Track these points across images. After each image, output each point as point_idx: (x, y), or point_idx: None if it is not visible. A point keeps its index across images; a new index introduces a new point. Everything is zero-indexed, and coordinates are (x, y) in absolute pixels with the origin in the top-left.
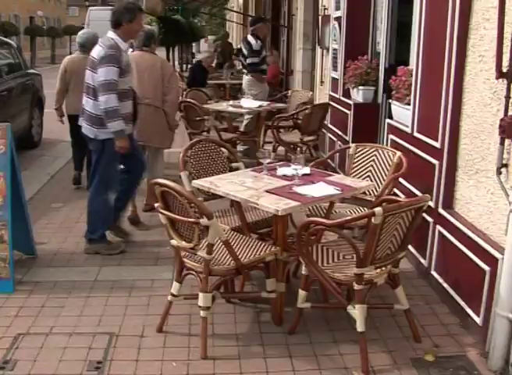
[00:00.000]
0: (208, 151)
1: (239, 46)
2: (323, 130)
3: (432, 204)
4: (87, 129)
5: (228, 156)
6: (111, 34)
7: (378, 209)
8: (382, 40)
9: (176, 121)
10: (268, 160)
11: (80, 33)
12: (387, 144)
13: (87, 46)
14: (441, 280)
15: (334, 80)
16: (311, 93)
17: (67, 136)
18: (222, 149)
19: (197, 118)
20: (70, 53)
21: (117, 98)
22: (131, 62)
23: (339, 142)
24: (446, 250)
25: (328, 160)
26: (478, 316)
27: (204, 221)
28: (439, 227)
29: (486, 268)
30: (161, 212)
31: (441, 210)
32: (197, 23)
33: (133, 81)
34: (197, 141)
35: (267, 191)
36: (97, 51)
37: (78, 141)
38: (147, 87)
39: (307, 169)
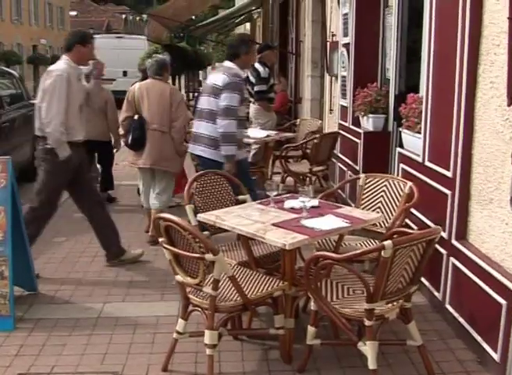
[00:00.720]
0: (214, 183)
1: (245, 74)
2: (333, 159)
3: (444, 235)
4: (205, 152)
5: (234, 188)
6: (230, 64)
7: (387, 243)
8: (391, 66)
9: (184, 146)
10: (274, 193)
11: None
12: (398, 174)
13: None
14: (456, 314)
15: (343, 108)
16: (320, 122)
17: None
18: (228, 181)
19: None
20: None
21: (236, 124)
22: (143, 90)
23: (349, 172)
24: (461, 283)
25: (339, 190)
26: (496, 351)
27: (209, 256)
28: (452, 259)
29: (502, 302)
30: (166, 248)
31: (454, 241)
32: (204, 50)
33: (144, 108)
34: (203, 173)
35: (274, 225)
36: (220, 79)
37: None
38: (155, 114)
39: (315, 202)
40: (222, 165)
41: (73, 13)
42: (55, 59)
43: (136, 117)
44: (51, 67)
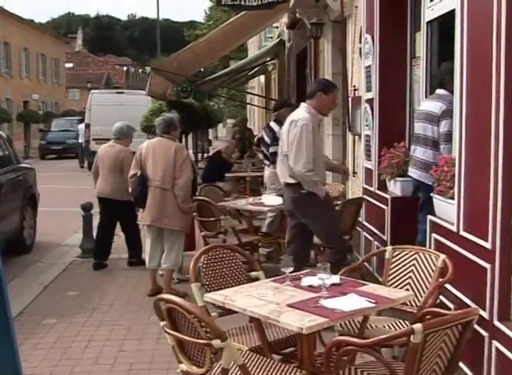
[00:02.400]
0: (223, 258)
1: (260, 134)
2: (357, 228)
3: (485, 315)
4: (417, 173)
5: (247, 264)
6: (442, 91)
7: (417, 326)
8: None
9: (188, 204)
10: (290, 269)
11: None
12: (430, 244)
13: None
14: None
15: (368, 171)
16: (342, 186)
17: (64, 238)
18: (240, 256)
19: (212, 218)
20: None
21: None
22: (149, 147)
23: (375, 242)
24: (506, 369)
25: (365, 263)
26: None
27: (217, 343)
28: (495, 343)
29: None
30: (168, 333)
31: (496, 322)
32: (214, 106)
33: (148, 166)
34: (211, 247)
35: (289, 306)
36: (437, 106)
37: (106, 224)
38: (158, 171)
39: (335, 278)
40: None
41: (69, 65)
42: (48, 117)
43: (138, 174)
44: (294, 117)
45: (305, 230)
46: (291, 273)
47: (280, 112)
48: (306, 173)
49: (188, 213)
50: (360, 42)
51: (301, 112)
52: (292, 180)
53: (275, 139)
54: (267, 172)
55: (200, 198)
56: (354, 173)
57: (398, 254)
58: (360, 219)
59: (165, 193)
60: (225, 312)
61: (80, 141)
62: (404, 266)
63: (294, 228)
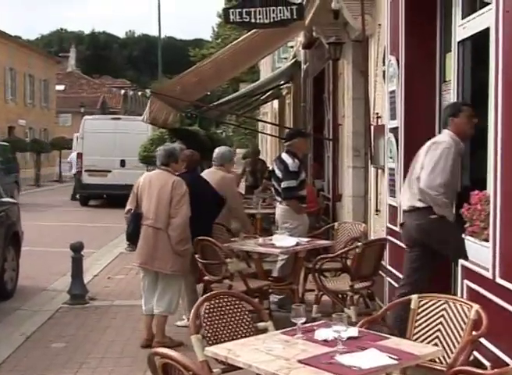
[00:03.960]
0: (228, 307)
1: (271, 167)
2: (380, 272)
3: None
4: None
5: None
6: None
7: None
8: None
9: (184, 246)
10: (302, 320)
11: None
12: (462, 293)
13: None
14: None
15: (392, 209)
16: (363, 225)
17: (50, 282)
18: (247, 304)
19: (217, 261)
20: (60, 173)
21: None
22: (146, 180)
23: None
24: None
25: (388, 312)
26: None
27: None
28: None
29: None
30: None
31: None
32: (221, 134)
33: (143, 201)
34: (214, 294)
35: (301, 362)
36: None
37: None
38: (152, 208)
39: (353, 331)
40: None
41: (60, 88)
42: (36, 145)
43: (132, 210)
44: (438, 139)
45: (434, 258)
46: (303, 323)
47: (293, 143)
48: (438, 195)
49: (184, 256)
50: (384, 64)
51: (445, 136)
52: (421, 204)
53: (287, 173)
54: (279, 209)
55: (204, 237)
56: (377, 210)
57: (425, 303)
58: (383, 262)
59: (158, 233)
60: (229, 367)
61: (72, 172)
62: (432, 317)
63: (417, 261)
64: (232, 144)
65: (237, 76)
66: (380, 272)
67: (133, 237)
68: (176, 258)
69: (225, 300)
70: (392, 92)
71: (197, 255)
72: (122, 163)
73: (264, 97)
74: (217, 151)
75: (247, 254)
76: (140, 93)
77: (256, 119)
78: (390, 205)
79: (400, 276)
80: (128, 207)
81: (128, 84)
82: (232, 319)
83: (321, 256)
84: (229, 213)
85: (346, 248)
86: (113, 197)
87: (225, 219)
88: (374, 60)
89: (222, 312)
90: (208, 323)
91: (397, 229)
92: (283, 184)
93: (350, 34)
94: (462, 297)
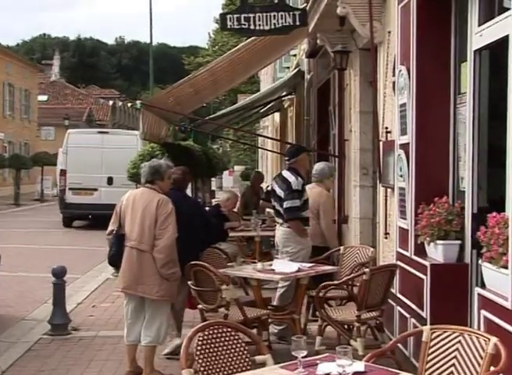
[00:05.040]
0: (223, 338)
1: (269, 187)
2: (390, 301)
3: None
4: None
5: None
6: None
7: None
8: (467, 174)
9: (171, 269)
10: (303, 353)
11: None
12: (479, 324)
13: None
14: None
15: (403, 232)
16: (371, 250)
17: (29, 311)
18: (244, 335)
19: (212, 288)
20: (42, 191)
21: None
22: (130, 199)
23: (412, 320)
24: None
25: (399, 345)
26: None
27: None
28: None
29: None
30: None
31: None
32: (218, 150)
33: (126, 221)
34: (207, 324)
35: None
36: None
37: None
38: (135, 228)
39: (359, 365)
40: None
41: (43, 98)
42: (16, 160)
43: (114, 231)
44: None
45: None
46: (305, 357)
47: (296, 160)
48: None
49: (172, 280)
50: (394, 75)
51: None
52: None
53: (290, 191)
54: (279, 231)
55: (197, 262)
56: (386, 233)
57: (438, 335)
58: (393, 290)
59: (142, 255)
60: None
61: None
62: (446, 350)
63: None
64: (229, 160)
65: (236, 87)
66: (390, 301)
67: (115, 261)
68: (162, 283)
69: (220, 331)
70: (403, 105)
71: (190, 282)
72: (110, 181)
73: (264, 109)
74: (316, 167)
75: (244, 280)
76: (129, 104)
77: (255, 133)
78: (400, 228)
79: (412, 306)
80: (110, 228)
81: (117, 95)
82: (228, 351)
83: (325, 283)
84: None
85: (352, 275)
86: (99, 217)
87: None
88: (383, 70)
89: (217, 344)
90: (201, 356)
91: (408, 254)
92: (286, 204)
93: (358, 42)
94: (479, 328)
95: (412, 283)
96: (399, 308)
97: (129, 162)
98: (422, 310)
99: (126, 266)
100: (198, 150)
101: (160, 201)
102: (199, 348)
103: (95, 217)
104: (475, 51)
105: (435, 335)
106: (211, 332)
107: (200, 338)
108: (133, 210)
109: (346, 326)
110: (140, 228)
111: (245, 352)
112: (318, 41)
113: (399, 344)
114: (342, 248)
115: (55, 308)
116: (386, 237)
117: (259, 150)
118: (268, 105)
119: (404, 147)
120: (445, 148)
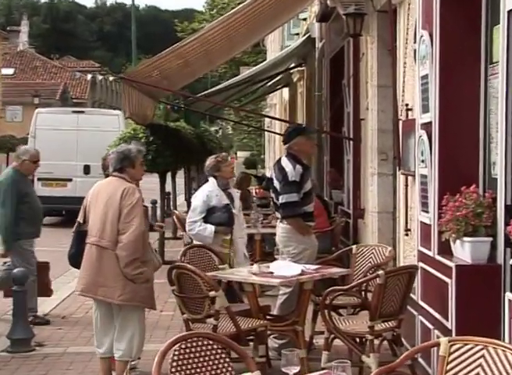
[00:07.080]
0: (203, 353)
1: (269, 174)
2: (410, 309)
3: None
4: None
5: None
6: None
7: None
8: (499, 159)
9: (137, 269)
10: (295, 369)
11: None
12: (510, 334)
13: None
14: None
15: (424, 227)
16: (389, 249)
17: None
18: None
19: (198, 295)
20: None
21: None
22: (96, 191)
23: (436, 331)
24: None
25: (421, 360)
26: None
27: None
28: None
29: None
30: None
31: None
32: (217, 133)
33: (91, 216)
34: (183, 337)
35: None
36: None
37: None
38: (96, 223)
39: None
40: None
41: (8, 71)
42: None
43: (74, 227)
44: None
45: None
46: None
47: (293, 144)
48: None
49: (140, 282)
50: (415, 41)
51: None
52: None
53: (286, 183)
54: (279, 229)
55: (182, 264)
56: (407, 230)
57: (458, 349)
58: (414, 296)
59: (103, 253)
60: None
61: None
62: (467, 366)
63: None
64: (231, 145)
65: (238, 58)
66: (410, 308)
67: (76, 261)
68: (126, 285)
69: (200, 343)
70: (425, 77)
71: (172, 288)
72: (86, 170)
73: (270, 83)
74: None
75: (239, 285)
76: (111, 78)
77: (259, 113)
78: (422, 223)
79: (435, 314)
80: (77, 223)
81: (97, 67)
82: (209, 368)
83: (333, 288)
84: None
85: (365, 278)
86: (74, 213)
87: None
88: (403, 36)
89: (196, 360)
90: (177, 374)
91: (431, 253)
92: (281, 199)
93: (375, 3)
94: (510, 339)
95: (435, 288)
96: (421, 317)
97: (107, 148)
98: (447, 320)
99: (85, 266)
100: (191, 132)
101: (125, 191)
102: (174, 363)
103: (69, 212)
104: (510, 12)
105: (454, 348)
106: (188, 345)
107: (177, 353)
108: (96, 202)
109: (357, 340)
110: (101, 222)
111: (229, 369)
112: (329, 2)
113: (420, 360)
114: (354, 247)
115: (15, 320)
116: (407, 234)
117: (266, 133)
118: (276, 79)
119: (426, 127)
120: (474, 127)
